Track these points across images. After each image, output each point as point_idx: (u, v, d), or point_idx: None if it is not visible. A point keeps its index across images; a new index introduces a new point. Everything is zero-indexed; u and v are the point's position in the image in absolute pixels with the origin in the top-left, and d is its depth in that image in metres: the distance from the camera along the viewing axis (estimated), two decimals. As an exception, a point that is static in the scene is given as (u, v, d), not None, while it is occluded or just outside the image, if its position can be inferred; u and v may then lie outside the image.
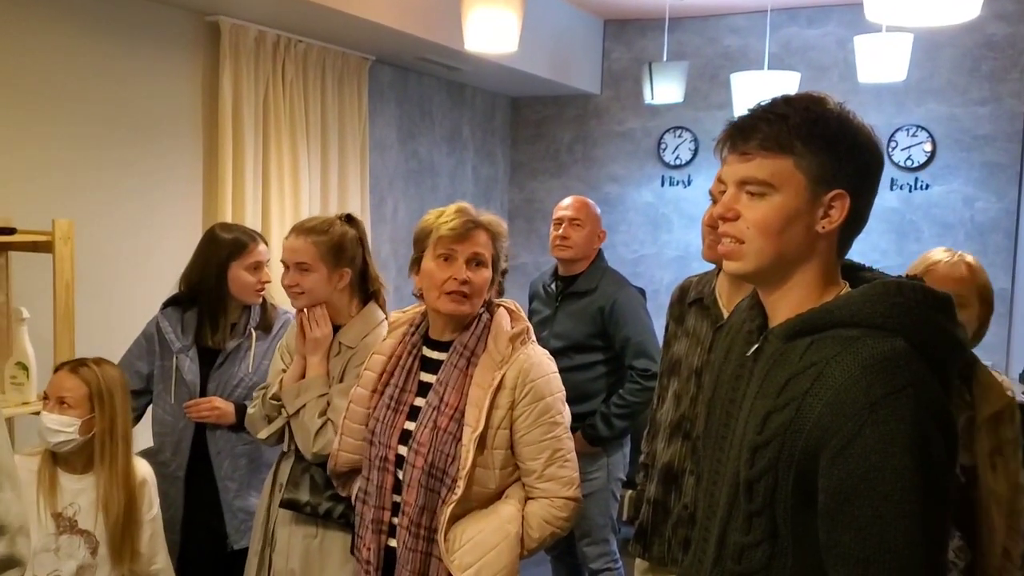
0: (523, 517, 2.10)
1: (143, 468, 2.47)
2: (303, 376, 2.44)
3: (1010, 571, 1.98)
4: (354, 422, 2.25)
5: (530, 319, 2.99)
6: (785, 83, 4.57)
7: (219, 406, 2.72)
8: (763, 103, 1.35)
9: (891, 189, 5.36)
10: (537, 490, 2.11)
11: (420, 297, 2.21)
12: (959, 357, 1.32)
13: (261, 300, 2.84)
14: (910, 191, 5.36)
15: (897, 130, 5.34)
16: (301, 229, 2.46)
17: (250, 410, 2.55)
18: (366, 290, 2.55)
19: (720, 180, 1.67)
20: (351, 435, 2.26)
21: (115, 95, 3.54)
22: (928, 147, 5.30)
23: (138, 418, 2.81)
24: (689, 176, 5.91)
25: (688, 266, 5.56)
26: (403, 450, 2.12)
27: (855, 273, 1.40)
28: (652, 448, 2.48)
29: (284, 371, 2.50)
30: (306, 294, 2.43)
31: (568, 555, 3.68)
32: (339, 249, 2.45)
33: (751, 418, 1.33)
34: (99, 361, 2.44)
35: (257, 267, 2.79)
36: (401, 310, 2.35)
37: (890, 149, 5.34)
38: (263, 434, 2.50)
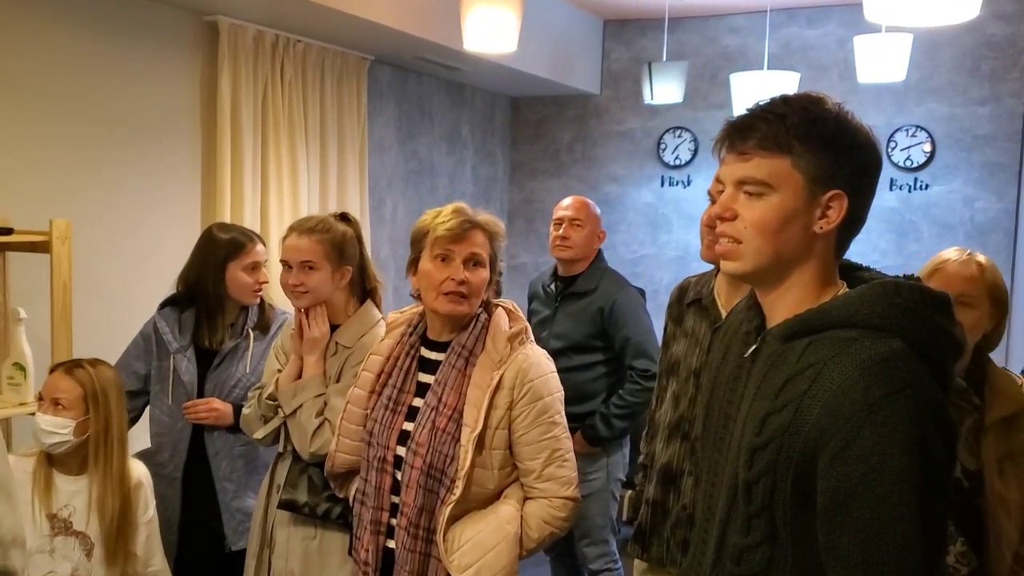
0: (522, 517, 2.10)
1: (139, 469, 2.46)
2: (299, 376, 2.44)
3: None
4: (352, 423, 2.25)
5: (529, 319, 2.99)
6: (785, 83, 4.57)
7: (217, 407, 2.71)
8: (761, 103, 1.35)
9: (891, 189, 5.36)
10: (536, 490, 2.10)
11: (418, 298, 2.20)
12: (957, 357, 1.31)
13: (259, 300, 2.84)
14: (910, 191, 5.35)
15: (897, 130, 5.34)
16: (303, 228, 2.44)
17: (245, 411, 2.55)
18: (362, 289, 2.54)
19: (718, 180, 1.67)
20: (348, 436, 2.26)
21: (113, 95, 3.54)
22: (928, 147, 5.30)
23: (136, 419, 2.80)
24: (689, 176, 5.91)
25: (688, 266, 5.56)
26: (401, 451, 2.12)
27: (853, 273, 1.40)
28: (651, 449, 2.48)
29: (279, 371, 2.50)
30: (310, 293, 2.42)
31: (568, 556, 3.67)
32: (342, 247, 2.45)
33: (749, 419, 1.33)
34: (94, 362, 2.43)
35: (255, 267, 2.79)
36: (399, 311, 2.35)
37: (890, 149, 5.33)
38: (259, 434, 2.49)
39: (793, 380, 1.28)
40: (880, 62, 4.27)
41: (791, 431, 1.26)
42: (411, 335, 2.22)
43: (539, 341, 2.29)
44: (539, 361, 2.13)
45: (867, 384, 1.20)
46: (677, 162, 5.93)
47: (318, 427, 2.37)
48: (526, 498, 2.12)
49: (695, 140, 5.86)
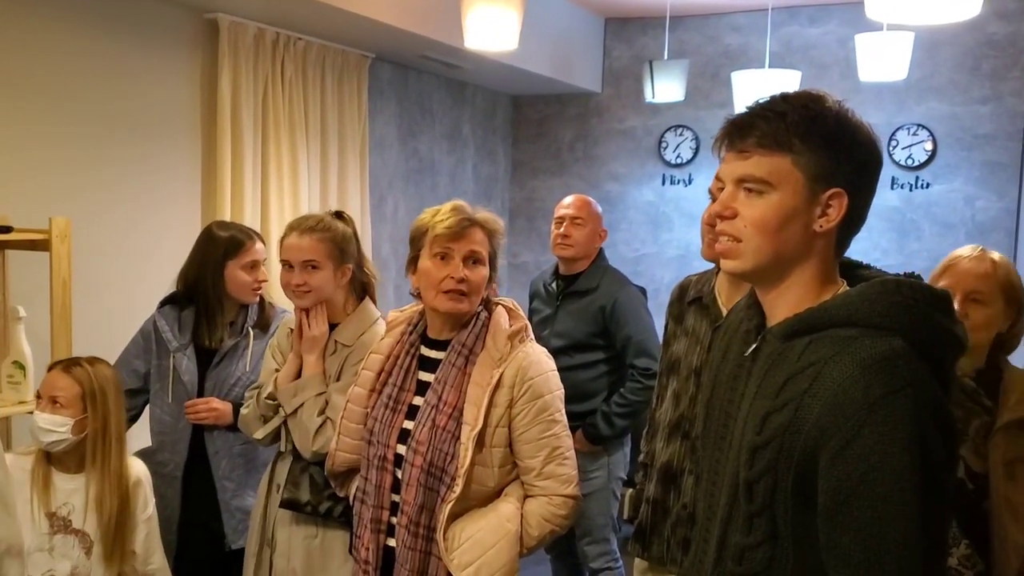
0: (522, 515, 2.10)
1: (138, 468, 2.46)
2: (298, 375, 2.43)
3: None
4: (352, 422, 2.25)
5: (531, 318, 2.99)
6: (786, 81, 4.56)
7: (217, 407, 2.71)
8: (761, 101, 1.34)
9: (892, 188, 5.35)
10: (536, 488, 2.10)
11: (417, 296, 2.20)
12: (959, 355, 1.31)
13: (258, 299, 2.83)
14: (911, 190, 5.35)
15: (898, 129, 5.33)
16: (304, 227, 2.43)
17: (243, 411, 2.54)
18: (360, 286, 2.54)
19: (718, 178, 1.66)
20: (349, 435, 2.25)
21: (113, 93, 3.53)
22: (929, 146, 5.29)
23: (136, 417, 2.81)
24: (690, 175, 5.90)
25: (689, 265, 5.55)
26: (402, 449, 2.11)
27: (853, 271, 1.39)
28: (651, 447, 2.48)
29: (277, 371, 2.49)
30: (313, 292, 2.41)
31: (568, 554, 3.67)
32: (343, 246, 2.45)
33: (750, 418, 1.32)
34: (93, 360, 2.43)
35: (254, 266, 2.78)
36: (399, 309, 2.34)
37: (891, 148, 5.33)
38: (259, 434, 2.49)
39: (793, 379, 1.27)
40: (881, 61, 4.27)
41: (792, 430, 1.25)
42: (411, 333, 2.22)
43: (540, 340, 2.29)
44: (539, 359, 2.13)
45: (867, 383, 1.19)
46: (678, 160, 5.92)
47: (320, 426, 2.37)
48: (526, 496, 2.12)
49: (696, 138, 5.85)
